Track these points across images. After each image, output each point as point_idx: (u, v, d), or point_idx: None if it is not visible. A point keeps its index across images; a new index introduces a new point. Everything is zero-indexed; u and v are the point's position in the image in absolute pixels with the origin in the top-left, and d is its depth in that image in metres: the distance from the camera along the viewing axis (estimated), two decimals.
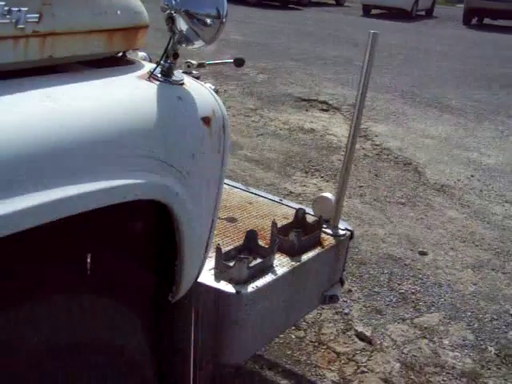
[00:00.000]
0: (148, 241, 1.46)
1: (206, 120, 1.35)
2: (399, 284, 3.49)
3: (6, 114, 1.04)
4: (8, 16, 1.11)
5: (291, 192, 4.67)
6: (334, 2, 26.95)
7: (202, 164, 1.36)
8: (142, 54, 2.24)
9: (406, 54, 13.23)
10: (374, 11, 23.19)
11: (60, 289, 1.25)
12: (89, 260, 1.45)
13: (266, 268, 1.93)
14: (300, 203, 4.22)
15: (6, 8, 1.10)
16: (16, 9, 1.12)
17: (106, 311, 1.40)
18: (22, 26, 1.14)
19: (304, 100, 7.75)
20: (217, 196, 1.48)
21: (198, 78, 2.38)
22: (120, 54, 1.50)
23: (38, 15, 1.16)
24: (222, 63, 2.66)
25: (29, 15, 1.14)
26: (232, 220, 2.28)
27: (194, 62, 2.41)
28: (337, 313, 3.11)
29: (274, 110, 7.20)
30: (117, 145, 1.14)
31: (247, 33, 13.73)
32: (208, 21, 1.33)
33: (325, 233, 2.25)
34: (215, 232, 2.13)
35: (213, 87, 2.34)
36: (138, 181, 1.17)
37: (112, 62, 1.42)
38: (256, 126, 6.48)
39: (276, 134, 6.25)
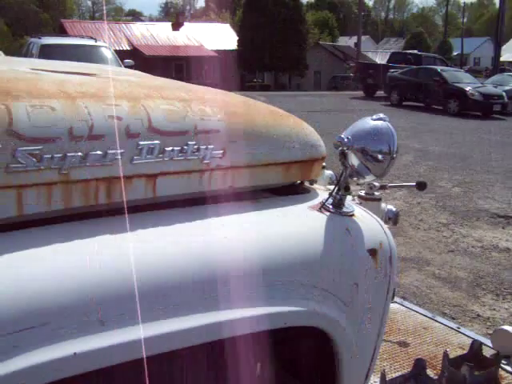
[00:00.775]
0: (308, 364, 1.49)
1: (372, 252, 1.38)
2: None
3: (184, 241, 1.17)
4: (196, 153, 1.26)
5: (479, 315, 4.41)
6: None
7: (365, 293, 1.38)
8: (328, 172, 2.35)
9: None
10: None
11: None
12: (257, 373, 1.49)
13: None
14: (488, 328, 3.98)
15: (196, 146, 1.26)
16: (204, 147, 1.27)
17: None
18: (208, 161, 1.28)
19: (501, 217, 7.38)
20: (380, 324, 1.48)
21: (379, 199, 2.42)
22: (298, 182, 1.60)
23: (221, 151, 1.30)
24: (404, 186, 2.68)
25: (214, 152, 1.29)
26: (404, 345, 2.22)
27: (376, 184, 2.46)
28: None
29: (467, 225, 6.95)
30: (283, 273, 1.21)
31: (445, 144, 13.59)
32: (379, 157, 1.39)
33: (503, 370, 2.09)
34: (384, 356, 2.10)
35: (394, 209, 2.37)
36: (300, 308, 1.23)
37: (289, 190, 1.52)
38: (446, 241, 6.28)
39: (467, 251, 5.99)
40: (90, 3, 69.97)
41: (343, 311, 1.32)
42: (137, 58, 28.70)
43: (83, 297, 0.99)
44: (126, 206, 1.20)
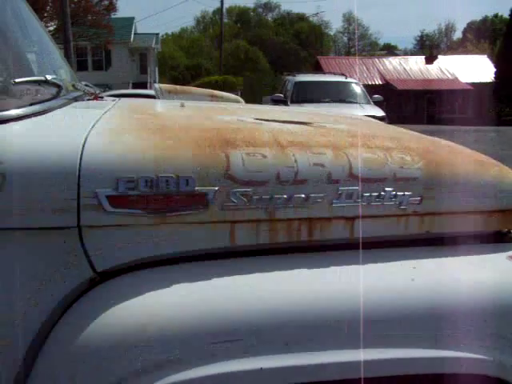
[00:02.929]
0: None
1: None
2: None
3: (376, 280, 1.27)
4: (393, 199, 1.36)
5: None
6: None
7: None
8: None
9: None
10: None
11: None
12: None
13: None
14: None
15: (393, 193, 1.35)
16: (401, 193, 1.36)
17: None
18: (404, 207, 1.37)
19: None
20: None
21: None
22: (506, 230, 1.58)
23: (419, 198, 1.38)
24: None
25: (411, 198, 1.37)
26: None
27: None
28: None
29: None
30: (465, 320, 1.25)
31: None
32: None
33: None
34: None
35: None
36: (484, 357, 1.24)
37: (493, 237, 1.52)
38: None
39: None
40: (345, 39, 72.45)
41: None
42: (388, 92, 29.03)
43: (274, 320, 1.15)
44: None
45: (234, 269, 1.25)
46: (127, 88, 29.36)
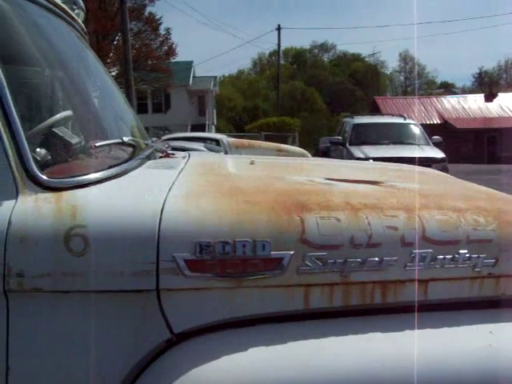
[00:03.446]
0: None
1: None
2: None
3: (453, 344, 1.26)
4: (468, 261, 1.35)
5: None
6: None
7: None
8: None
9: None
10: None
11: None
12: None
13: None
14: None
15: (467, 255, 1.35)
16: (475, 255, 1.35)
17: None
18: (479, 269, 1.36)
19: None
20: None
21: None
22: None
23: (493, 260, 1.36)
24: None
25: (486, 260, 1.36)
26: None
27: None
28: None
29: None
30: None
31: None
32: None
33: None
34: None
35: None
36: None
37: None
38: None
39: None
40: (402, 78, 72.11)
41: None
42: (447, 132, 28.58)
43: None
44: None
45: (310, 331, 1.27)
46: (186, 130, 29.89)
